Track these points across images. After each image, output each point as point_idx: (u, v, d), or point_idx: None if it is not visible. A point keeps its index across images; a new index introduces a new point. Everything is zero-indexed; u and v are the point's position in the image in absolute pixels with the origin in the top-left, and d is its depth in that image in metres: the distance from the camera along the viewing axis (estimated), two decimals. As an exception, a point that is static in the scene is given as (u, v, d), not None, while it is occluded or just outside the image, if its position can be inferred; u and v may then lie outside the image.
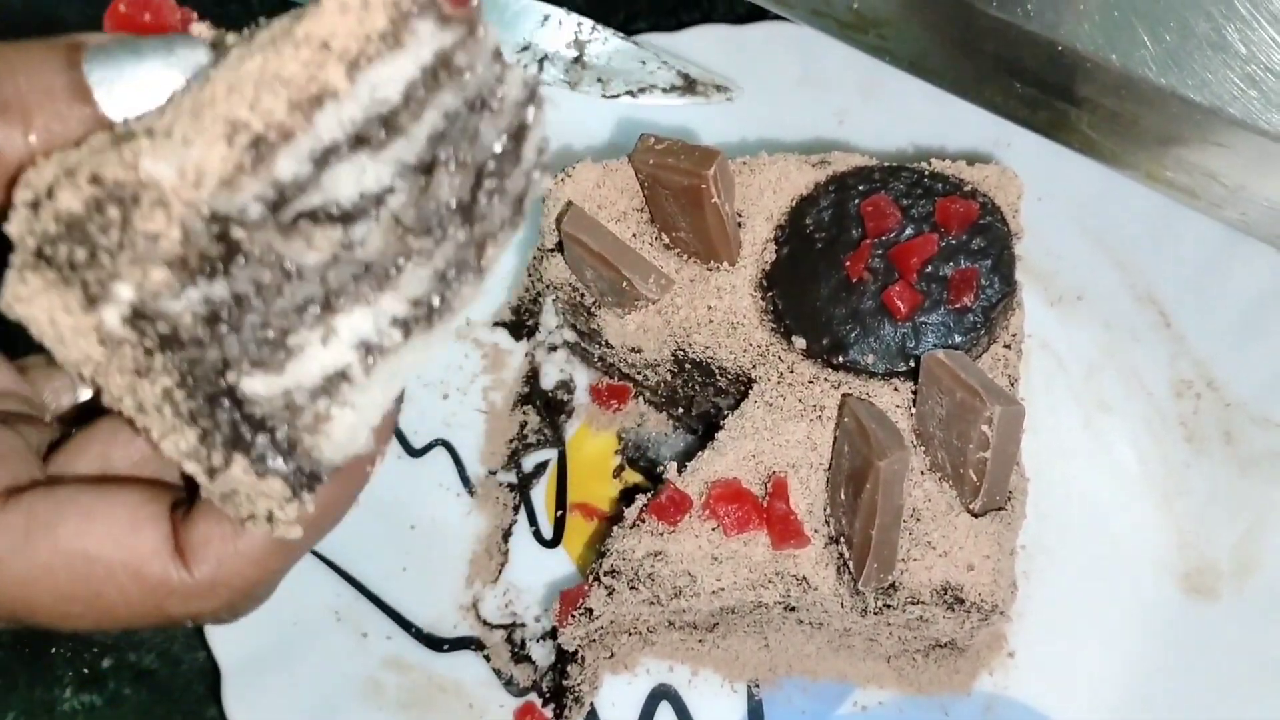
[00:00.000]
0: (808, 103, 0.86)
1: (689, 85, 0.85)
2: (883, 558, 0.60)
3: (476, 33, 0.36)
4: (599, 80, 0.85)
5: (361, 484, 0.41)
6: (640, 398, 0.80)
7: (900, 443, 0.59)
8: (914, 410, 0.64)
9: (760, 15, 0.87)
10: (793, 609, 0.64)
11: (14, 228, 0.35)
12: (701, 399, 0.74)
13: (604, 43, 0.87)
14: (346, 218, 0.35)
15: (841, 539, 0.62)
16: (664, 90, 0.85)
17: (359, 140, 0.35)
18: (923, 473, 0.63)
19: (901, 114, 0.83)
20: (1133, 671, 0.70)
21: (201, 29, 0.39)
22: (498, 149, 0.37)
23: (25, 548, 0.38)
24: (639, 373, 0.76)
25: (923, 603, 0.61)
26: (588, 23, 0.87)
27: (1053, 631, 0.72)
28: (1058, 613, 0.72)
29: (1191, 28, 0.68)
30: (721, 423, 0.67)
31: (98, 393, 0.38)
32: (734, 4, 0.89)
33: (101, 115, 0.35)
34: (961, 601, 0.61)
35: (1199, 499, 0.75)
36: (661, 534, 0.63)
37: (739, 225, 0.71)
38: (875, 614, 0.63)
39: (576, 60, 0.85)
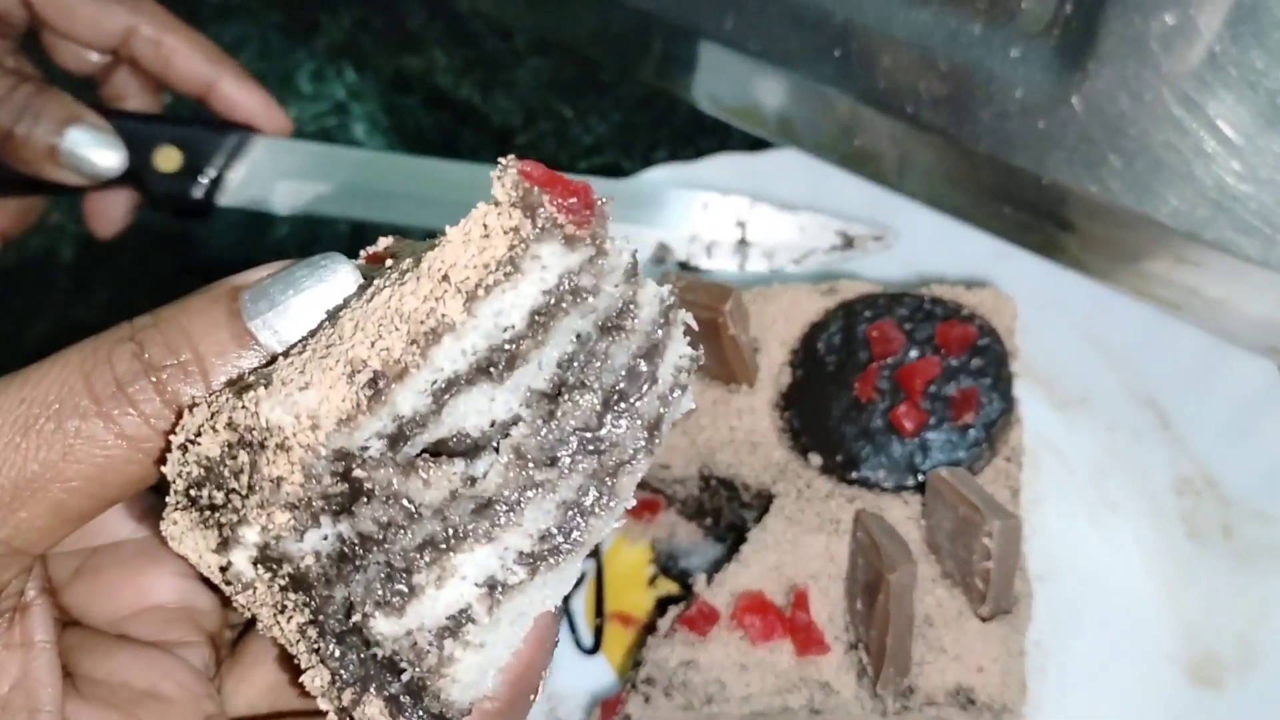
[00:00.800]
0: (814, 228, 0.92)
1: (848, 242, 0.88)
2: (898, 663, 0.65)
3: (605, 251, 0.35)
4: (764, 255, 0.87)
5: (524, 714, 0.40)
6: (671, 509, 0.85)
7: (908, 556, 0.64)
8: (923, 522, 0.69)
9: (761, 144, 0.93)
10: (817, 712, 0.69)
11: (169, 470, 0.36)
12: (728, 510, 0.80)
13: (764, 216, 0.88)
14: (468, 451, 0.34)
15: (860, 645, 0.67)
16: (826, 251, 0.87)
17: (480, 370, 0.34)
18: (935, 580, 0.68)
19: (905, 235, 0.89)
20: (1145, 762, 0.74)
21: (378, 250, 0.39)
22: (629, 371, 0.36)
23: None
24: (668, 487, 0.82)
25: (938, 704, 0.66)
26: (745, 201, 0.89)
27: (1067, 724, 0.76)
28: (1071, 706, 0.76)
29: (1162, 160, 0.74)
30: (746, 534, 0.72)
31: (254, 619, 0.38)
32: (746, 134, 0.96)
33: (268, 354, 0.37)
34: (974, 702, 0.66)
35: (1202, 591, 0.79)
36: (693, 644, 0.68)
37: (756, 350, 0.77)
38: (895, 715, 0.67)
39: (741, 241, 0.88)
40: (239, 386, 0.35)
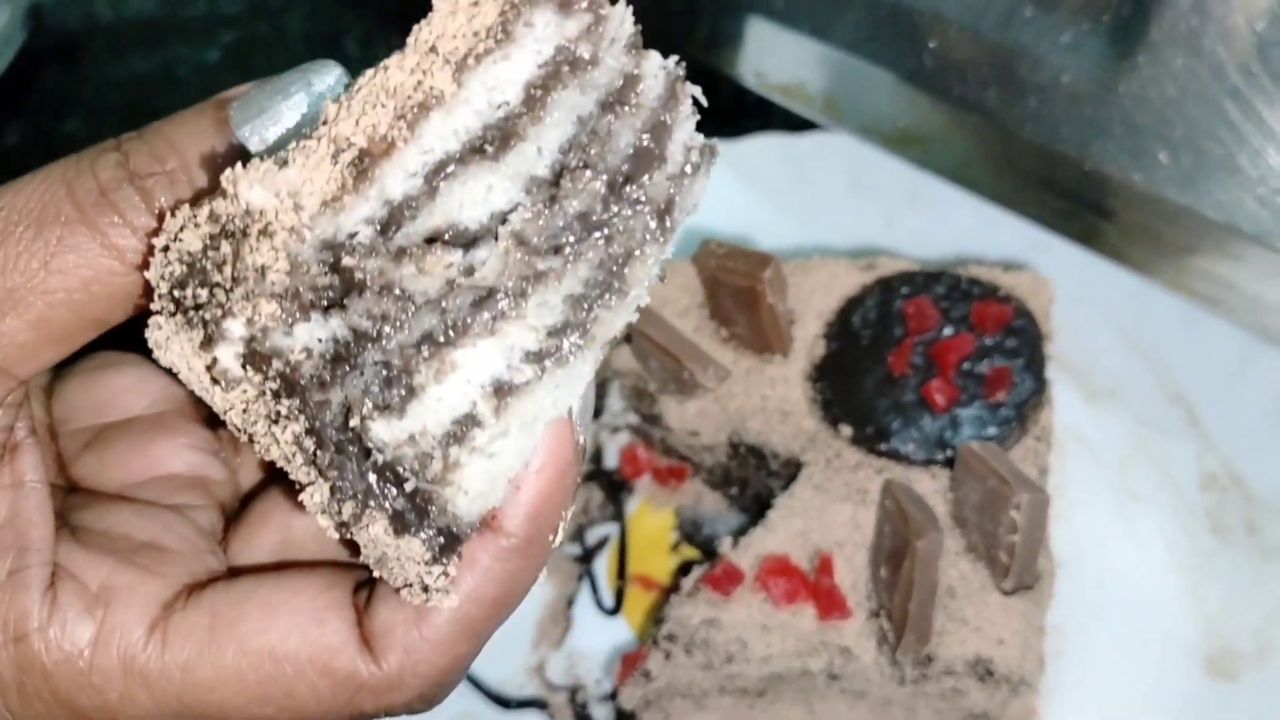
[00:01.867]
0: (856, 207, 0.93)
1: None
2: (919, 630, 0.65)
3: (604, 18, 0.32)
4: None
5: (543, 555, 0.37)
6: (697, 478, 0.86)
7: (935, 525, 0.65)
8: (950, 495, 0.70)
9: (814, 125, 0.94)
10: (836, 677, 0.69)
11: (152, 274, 0.33)
12: (755, 480, 0.81)
13: None
14: (467, 239, 0.32)
15: (882, 612, 0.67)
16: None
17: (474, 150, 0.31)
18: (958, 554, 0.68)
19: (944, 219, 0.89)
20: (1158, 748, 0.75)
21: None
22: (635, 151, 0.33)
23: (211, 649, 0.36)
24: (697, 454, 0.82)
25: (956, 673, 0.67)
26: None
27: (1083, 708, 0.76)
28: (1088, 690, 0.77)
29: (1207, 152, 0.74)
30: (773, 502, 0.73)
31: (249, 440, 0.35)
32: (790, 115, 0.97)
33: (243, 146, 0.35)
34: (992, 674, 0.66)
35: (1223, 586, 0.79)
36: (716, 603, 0.69)
37: (791, 322, 0.77)
38: (913, 684, 0.68)
39: None
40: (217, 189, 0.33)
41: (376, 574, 0.36)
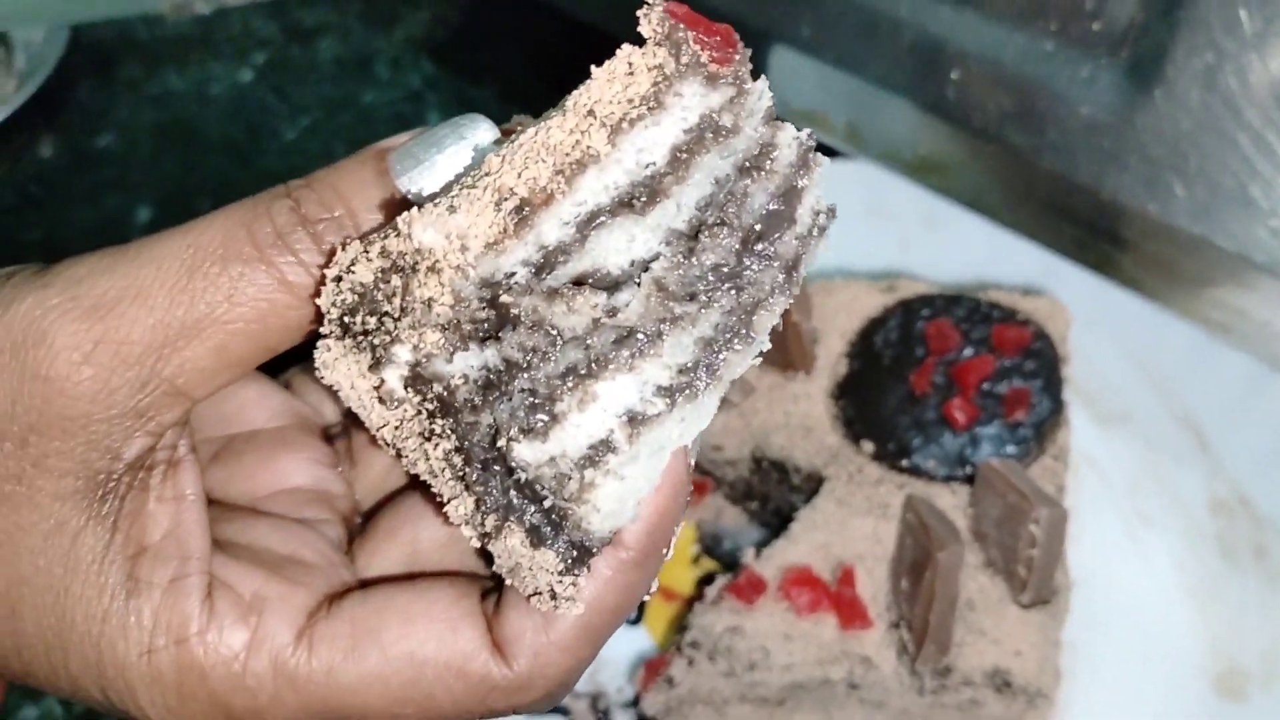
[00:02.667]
0: (875, 232, 0.95)
1: None
2: (939, 641, 0.67)
3: (745, 92, 0.35)
4: None
5: (657, 567, 0.40)
6: (718, 492, 0.88)
7: (957, 537, 0.67)
8: (970, 511, 0.72)
9: (833, 151, 0.97)
10: (856, 687, 0.71)
11: (323, 301, 0.37)
12: (776, 494, 0.83)
13: None
14: (610, 283, 0.35)
15: (902, 624, 0.69)
16: None
17: (623, 204, 0.35)
18: (977, 568, 0.70)
19: (961, 245, 0.92)
20: (1168, 765, 0.76)
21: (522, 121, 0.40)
22: (768, 212, 0.36)
23: (355, 655, 0.39)
24: (719, 469, 0.84)
25: (974, 684, 0.68)
26: None
27: (1093, 723, 0.78)
28: (1099, 706, 0.78)
29: (1220, 184, 0.77)
30: (794, 515, 0.75)
31: (397, 455, 0.38)
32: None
33: (404, 194, 0.38)
34: (1009, 684, 0.68)
35: (1231, 607, 0.81)
36: (739, 611, 0.71)
37: (815, 340, 0.80)
38: (931, 694, 0.69)
39: None
40: (390, 225, 0.37)
41: (508, 582, 0.38)
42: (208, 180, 1.14)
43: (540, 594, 0.37)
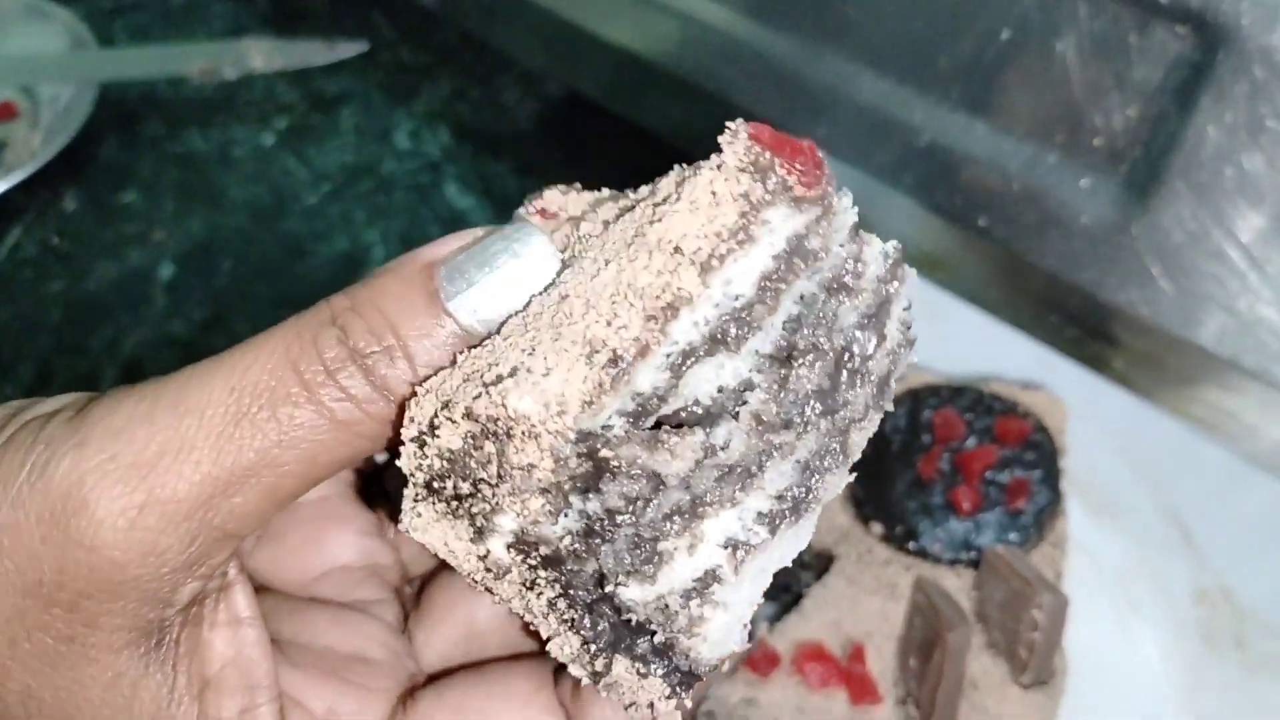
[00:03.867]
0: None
1: None
2: (945, 718, 0.70)
3: (832, 211, 0.35)
4: None
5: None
6: (725, 566, 0.91)
7: (964, 619, 0.70)
8: (974, 594, 0.75)
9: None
10: (863, 759, 0.74)
11: (405, 463, 0.36)
12: (787, 571, 0.86)
13: None
14: (706, 419, 0.34)
15: (909, 700, 0.73)
16: None
17: (715, 340, 0.34)
18: (981, 648, 0.74)
19: (964, 339, 0.96)
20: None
21: (554, 198, 0.39)
22: (859, 330, 0.36)
23: None
24: (728, 544, 0.88)
25: (977, 761, 0.72)
26: None
27: (1084, 803, 0.81)
28: (1089, 787, 0.82)
29: (1209, 293, 0.82)
30: (805, 592, 0.78)
31: (488, 592, 0.37)
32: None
33: (465, 332, 0.36)
34: (1010, 763, 0.71)
35: (1213, 695, 0.85)
36: (754, 684, 0.74)
37: (826, 425, 0.84)
38: (935, 769, 0.73)
39: None
40: (465, 374, 0.35)
41: (603, 695, 0.38)
42: (230, 240, 1.17)
43: (637, 706, 0.37)
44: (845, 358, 0.36)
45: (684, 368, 0.34)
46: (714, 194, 0.34)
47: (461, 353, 0.36)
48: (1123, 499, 0.94)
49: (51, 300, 1.11)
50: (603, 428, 0.34)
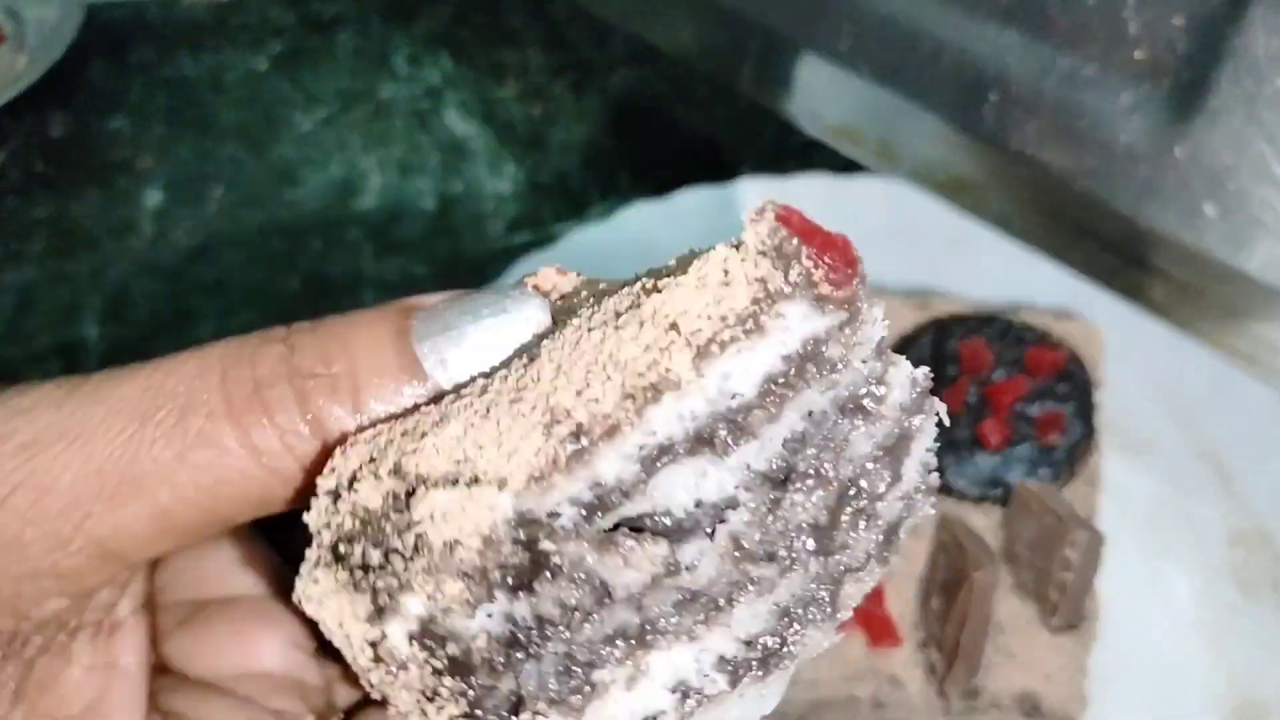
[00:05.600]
0: (906, 249, 0.95)
1: None
2: (969, 662, 0.66)
3: (859, 319, 0.29)
4: None
5: None
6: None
7: (993, 558, 0.66)
8: (1002, 533, 0.71)
9: (858, 167, 0.96)
10: (881, 705, 0.70)
11: (313, 519, 0.30)
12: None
13: None
14: (676, 533, 0.29)
15: (931, 643, 0.68)
16: None
17: (700, 440, 0.29)
18: (1008, 590, 0.70)
19: (993, 264, 0.91)
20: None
21: (549, 279, 0.34)
22: (871, 464, 0.30)
23: None
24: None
25: (1002, 707, 0.68)
26: None
27: (1112, 753, 0.77)
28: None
29: (1257, 216, 0.77)
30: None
31: (383, 700, 0.31)
32: (833, 157, 0.99)
33: (432, 389, 0.31)
34: (1038, 709, 0.67)
35: (1248, 642, 0.81)
36: (767, 625, 0.70)
37: (845, 355, 0.79)
38: (958, 715, 0.69)
39: None
40: (403, 429, 0.30)
41: None
42: (221, 167, 1.12)
43: None
44: (851, 492, 0.30)
45: (658, 465, 0.28)
46: (726, 272, 0.29)
47: (412, 411, 0.31)
48: (1156, 437, 0.89)
49: (36, 228, 1.06)
50: (549, 514, 0.28)
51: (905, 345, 0.78)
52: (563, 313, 0.32)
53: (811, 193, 0.98)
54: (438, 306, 0.32)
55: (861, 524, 0.30)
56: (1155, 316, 0.84)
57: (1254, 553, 0.84)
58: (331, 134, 1.16)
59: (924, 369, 0.31)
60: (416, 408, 0.31)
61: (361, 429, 0.31)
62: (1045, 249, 0.87)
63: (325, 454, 0.31)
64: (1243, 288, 0.78)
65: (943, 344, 0.77)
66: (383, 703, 0.31)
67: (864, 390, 0.30)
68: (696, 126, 1.16)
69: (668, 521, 0.29)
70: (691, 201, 1.00)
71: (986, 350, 0.76)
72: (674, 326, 0.28)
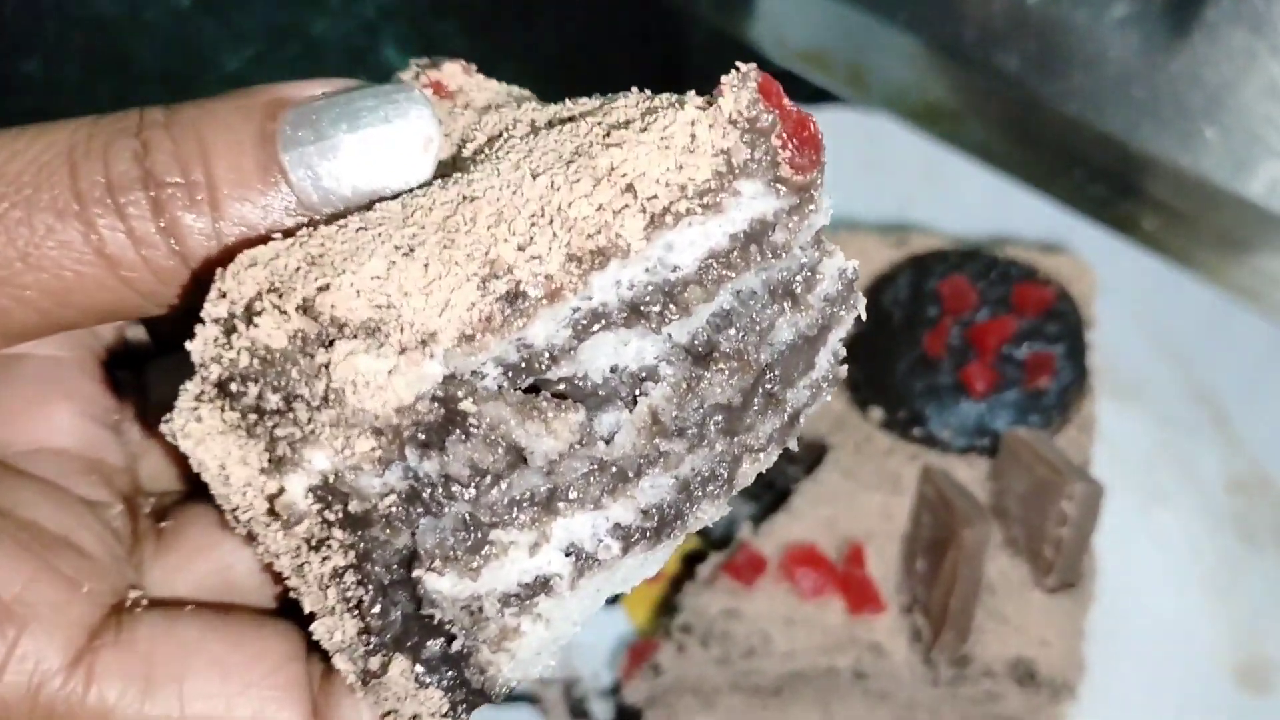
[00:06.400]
0: (873, 188, 0.88)
1: None
2: (959, 628, 0.61)
3: (809, 206, 0.29)
4: None
5: None
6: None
7: (983, 514, 0.60)
8: (990, 485, 0.65)
9: (827, 99, 0.90)
10: (862, 676, 0.65)
11: (197, 349, 0.28)
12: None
13: None
14: (594, 399, 0.28)
15: (916, 608, 0.63)
16: None
17: (634, 311, 0.28)
18: (998, 547, 0.64)
19: (974, 196, 0.85)
20: (1187, 762, 0.71)
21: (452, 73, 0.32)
22: (788, 351, 0.30)
23: (147, 702, 0.31)
24: (706, 437, 0.77)
25: (995, 675, 0.62)
26: None
27: (1108, 718, 0.72)
28: (1114, 700, 0.73)
29: (1260, 136, 0.71)
30: (793, 488, 0.68)
31: (250, 538, 0.30)
32: (798, 88, 0.92)
33: (297, 197, 0.29)
34: (1033, 676, 0.62)
35: (1251, 593, 0.76)
36: (737, 593, 0.64)
37: (817, 298, 0.73)
38: (946, 685, 0.63)
39: None
40: (309, 255, 0.27)
41: (359, 695, 0.31)
42: (141, 112, 1.04)
43: (398, 716, 0.30)
44: (766, 377, 0.30)
45: (589, 331, 0.27)
46: (693, 137, 0.27)
47: (306, 228, 0.28)
48: (1148, 379, 0.83)
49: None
50: (473, 373, 0.27)
51: (882, 285, 0.72)
52: (479, 135, 0.30)
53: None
54: (310, 105, 0.29)
55: (770, 408, 0.30)
56: (1147, 249, 0.78)
57: (1254, 499, 0.79)
58: (261, 74, 1.08)
59: (854, 263, 0.31)
60: (314, 224, 0.28)
61: (248, 243, 0.28)
62: (1029, 180, 0.81)
63: (191, 269, 0.29)
64: (1243, 215, 0.73)
65: (922, 283, 0.71)
66: (252, 541, 0.30)
67: (797, 278, 0.30)
68: (654, 60, 1.08)
69: (585, 386, 0.28)
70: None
71: (969, 289, 0.70)
72: (630, 188, 0.27)
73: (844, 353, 0.32)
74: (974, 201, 0.84)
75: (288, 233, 0.29)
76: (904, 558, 0.64)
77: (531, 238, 0.26)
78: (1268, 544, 0.77)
